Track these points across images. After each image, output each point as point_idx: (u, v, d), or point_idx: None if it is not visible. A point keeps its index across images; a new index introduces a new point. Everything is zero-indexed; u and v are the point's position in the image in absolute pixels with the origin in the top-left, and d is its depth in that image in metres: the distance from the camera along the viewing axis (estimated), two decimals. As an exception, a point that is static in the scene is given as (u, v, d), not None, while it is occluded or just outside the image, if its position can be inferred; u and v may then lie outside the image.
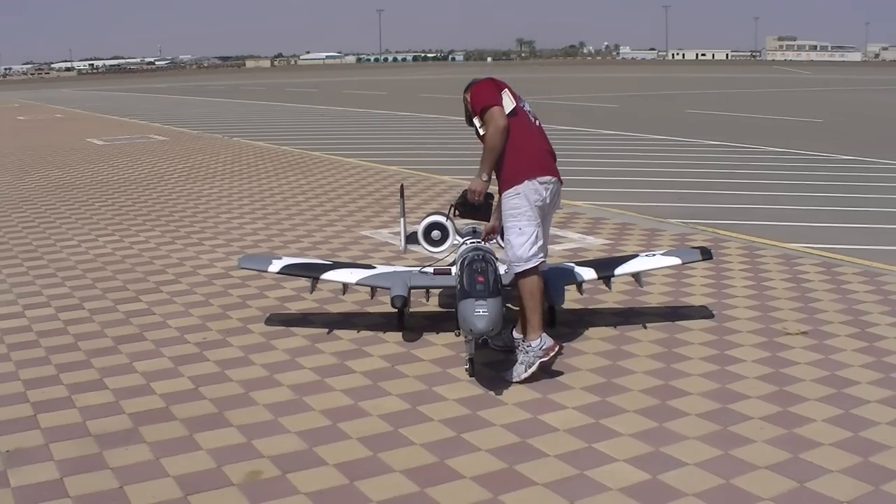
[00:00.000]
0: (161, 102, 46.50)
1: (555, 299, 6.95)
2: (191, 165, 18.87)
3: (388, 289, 7.04)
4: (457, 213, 6.84)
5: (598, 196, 14.12)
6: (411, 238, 7.71)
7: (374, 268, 7.49)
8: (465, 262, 6.32)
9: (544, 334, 6.28)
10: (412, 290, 7.12)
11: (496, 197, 6.65)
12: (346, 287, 7.46)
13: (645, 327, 7.48)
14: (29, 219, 12.79)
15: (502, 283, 6.33)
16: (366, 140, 23.87)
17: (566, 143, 21.47)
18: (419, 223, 7.66)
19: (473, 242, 7.10)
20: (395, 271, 7.39)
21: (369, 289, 7.46)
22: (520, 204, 6.28)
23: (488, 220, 6.97)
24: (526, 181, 6.21)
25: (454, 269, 6.86)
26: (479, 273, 6.10)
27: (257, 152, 21.15)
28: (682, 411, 5.80)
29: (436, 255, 7.86)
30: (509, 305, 7.22)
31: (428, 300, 7.96)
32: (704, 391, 6.16)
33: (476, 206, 6.66)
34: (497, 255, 6.82)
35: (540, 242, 6.32)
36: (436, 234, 7.47)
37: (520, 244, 6.24)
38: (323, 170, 17.66)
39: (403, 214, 7.80)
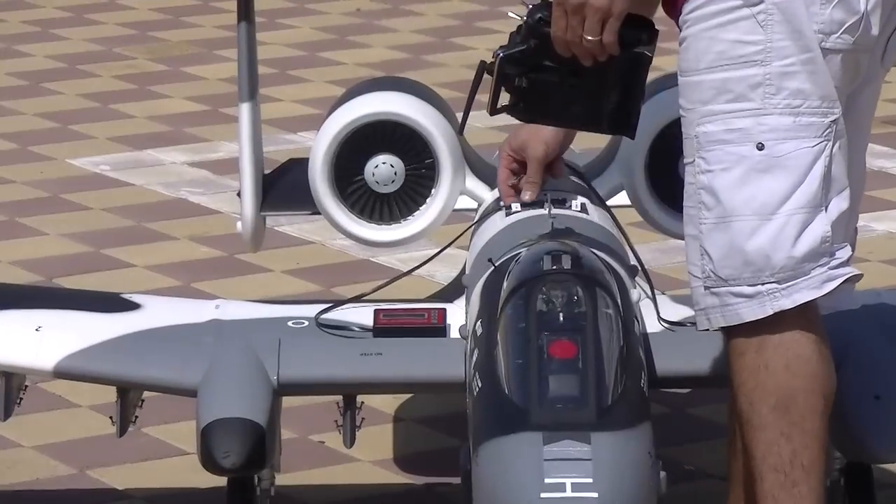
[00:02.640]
0: None
1: (878, 443, 2.90)
2: None
3: (194, 395, 3.01)
4: (500, 101, 2.63)
5: None
6: (272, 182, 3.69)
7: (138, 306, 3.38)
8: (511, 288, 2.83)
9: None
10: (284, 398, 3.08)
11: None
12: (13, 388, 3.20)
13: None
14: None
15: (645, 364, 2.84)
16: None
17: None
18: (327, 116, 3.51)
19: (554, 208, 3.10)
20: (217, 321, 3.24)
21: (115, 394, 3.17)
22: (759, 44, 2.57)
23: (625, 128, 2.76)
24: None
25: (464, 312, 3.04)
26: (556, 332, 2.72)
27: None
28: None
29: (382, 246, 3.76)
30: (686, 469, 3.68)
31: (351, 442, 3.14)
32: None
33: (572, 71, 2.60)
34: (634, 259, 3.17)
35: (841, 208, 2.56)
36: (384, 165, 3.46)
37: (757, 213, 2.56)
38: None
39: (250, 93, 3.58)
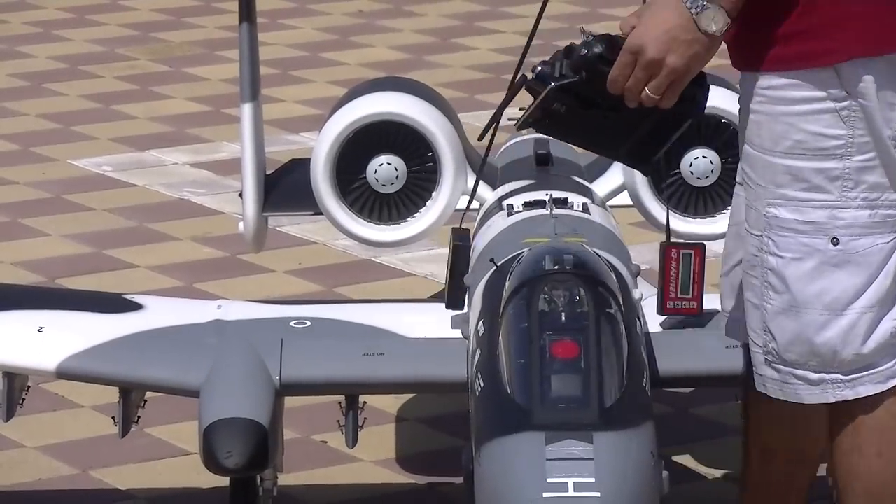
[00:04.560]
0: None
1: None
2: None
3: (196, 395, 2.98)
4: (531, 118, 2.50)
5: None
6: (274, 183, 3.69)
7: (141, 307, 3.37)
8: (513, 288, 2.80)
9: None
10: (286, 398, 3.14)
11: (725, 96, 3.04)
12: (16, 388, 3.22)
13: None
14: None
15: (647, 364, 2.84)
16: None
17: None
18: (329, 117, 3.53)
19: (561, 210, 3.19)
20: (219, 322, 3.25)
21: (118, 394, 3.12)
22: (841, 139, 2.48)
23: (644, 164, 2.72)
24: (868, 54, 2.45)
25: (475, 299, 3.04)
26: (558, 332, 2.71)
27: None
28: None
29: (385, 246, 3.81)
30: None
31: (354, 442, 3.13)
32: None
33: (612, 106, 2.49)
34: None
35: None
36: (385, 166, 3.43)
37: (828, 308, 2.52)
38: None
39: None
